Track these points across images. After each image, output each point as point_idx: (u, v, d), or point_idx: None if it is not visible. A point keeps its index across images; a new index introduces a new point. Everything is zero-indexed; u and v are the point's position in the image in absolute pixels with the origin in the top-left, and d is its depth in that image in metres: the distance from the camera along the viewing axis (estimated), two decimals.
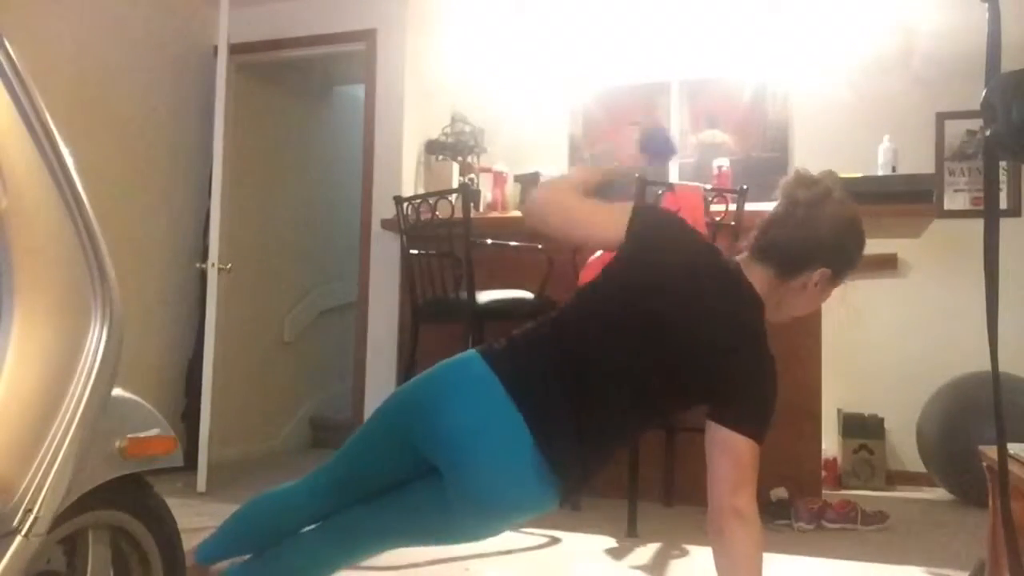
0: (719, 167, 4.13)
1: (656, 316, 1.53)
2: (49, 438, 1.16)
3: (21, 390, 1.14)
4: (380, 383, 4.24)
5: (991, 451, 1.86)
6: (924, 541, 3.05)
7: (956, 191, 4.43)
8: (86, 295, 1.24)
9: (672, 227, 1.71)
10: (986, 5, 1.04)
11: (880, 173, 3.59)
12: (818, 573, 2.60)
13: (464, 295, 3.40)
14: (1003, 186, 4.32)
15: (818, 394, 3.51)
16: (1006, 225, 4.50)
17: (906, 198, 3.42)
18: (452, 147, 4.37)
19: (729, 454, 1.47)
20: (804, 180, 1.66)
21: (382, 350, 4.26)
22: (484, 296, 3.42)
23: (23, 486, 1.12)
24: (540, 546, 2.89)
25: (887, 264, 4.43)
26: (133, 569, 1.50)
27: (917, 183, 3.47)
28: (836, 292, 1.72)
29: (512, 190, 4.35)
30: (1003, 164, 4.06)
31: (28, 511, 1.12)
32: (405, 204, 3.59)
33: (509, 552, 2.72)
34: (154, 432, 1.47)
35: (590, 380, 1.50)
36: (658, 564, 2.68)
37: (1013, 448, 1.71)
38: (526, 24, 4.94)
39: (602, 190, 1.75)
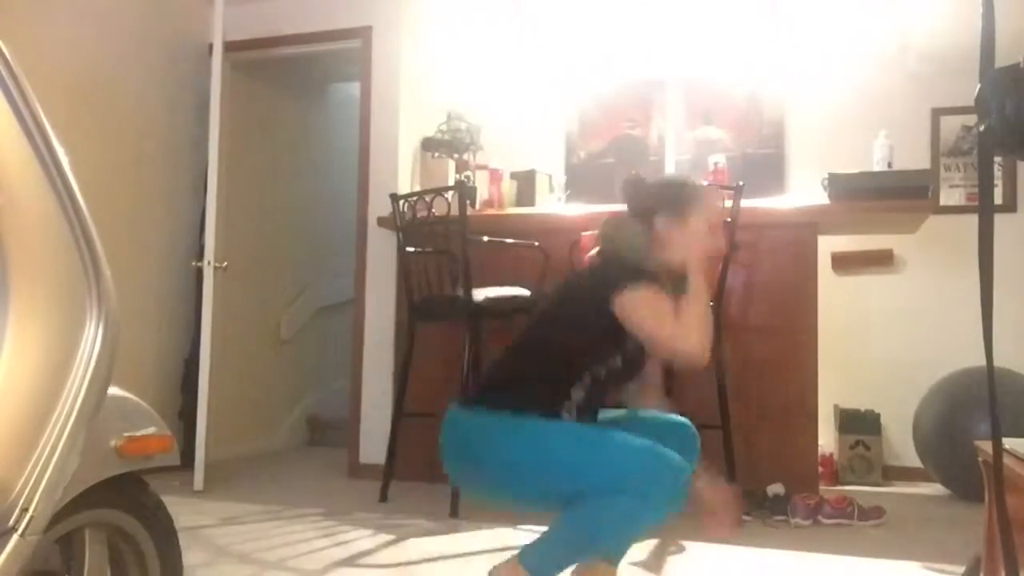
0: (715, 164, 4.13)
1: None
2: (45, 437, 1.15)
3: (16, 389, 1.14)
4: (377, 381, 4.24)
5: (986, 446, 1.87)
6: (920, 536, 3.06)
7: (951, 187, 4.44)
8: (81, 293, 1.24)
9: None
10: (980, 1, 1.04)
11: (876, 169, 3.60)
12: (815, 569, 2.61)
13: (460, 292, 3.40)
14: (998, 182, 4.33)
15: (815, 390, 3.52)
16: (1001, 221, 4.49)
17: (902, 194, 3.43)
18: (448, 144, 4.36)
19: (632, 308, 1.81)
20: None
21: (379, 348, 4.25)
22: (480, 293, 3.42)
23: (19, 485, 1.12)
24: None
25: (883, 260, 4.44)
26: (130, 568, 1.50)
27: (913, 179, 3.48)
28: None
29: (508, 187, 4.35)
30: (998, 160, 4.07)
31: (24, 510, 1.12)
32: (401, 201, 3.59)
33: (508, 549, 2.72)
34: (151, 431, 1.46)
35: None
36: (655, 560, 2.69)
37: (1008, 443, 1.71)
38: (522, 21, 4.94)
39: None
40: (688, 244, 1.94)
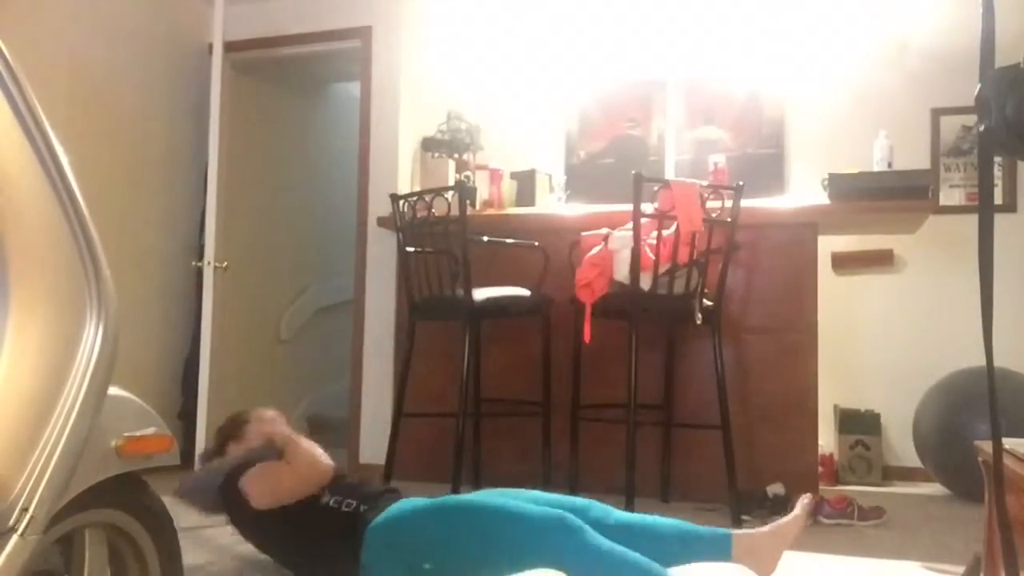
0: (715, 163, 4.13)
1: None
2: (45, 437, 1.15)
3: (17, 389, 1.14)
4: (377, 381, 4.24)
5: (986, 446, 1.87)
6: (920, 536, 3.06)
7: (951, 187, 4.44)
8: (81, 293, 1.24)
9: None
10: (980, 1, 1.04)
11: (876, 169, 3.60)
12: (815, 569, 2.61)
13: (461, 292, 3.40)
14: (998, 182, 4.33)
15: (815, 390, 3.52)
16: (1001, 221, 4.49)
17: (901, 194, 3.43)
18: (448, 144, 4.36)
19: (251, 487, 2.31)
20: None
21: (379, 348, 4.25)
22: (480, 293, 3.42)
23: (19, 485, 1.11)
24: None
25: (883, 260, 4.44)
26: (130, 568, 1.50)
27: (912, 179, 3.48)
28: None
29: (508, 187, 4.35)
30: (998, 160, 4.07)
31: (24, 510, 1.12)
32: (401, 201, 3.59)
33: None
34: (151, 431, 1.46)
35: None
36: None
37: (1008, 443, 1.71)
38: (522, 21, 4.94)
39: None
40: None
